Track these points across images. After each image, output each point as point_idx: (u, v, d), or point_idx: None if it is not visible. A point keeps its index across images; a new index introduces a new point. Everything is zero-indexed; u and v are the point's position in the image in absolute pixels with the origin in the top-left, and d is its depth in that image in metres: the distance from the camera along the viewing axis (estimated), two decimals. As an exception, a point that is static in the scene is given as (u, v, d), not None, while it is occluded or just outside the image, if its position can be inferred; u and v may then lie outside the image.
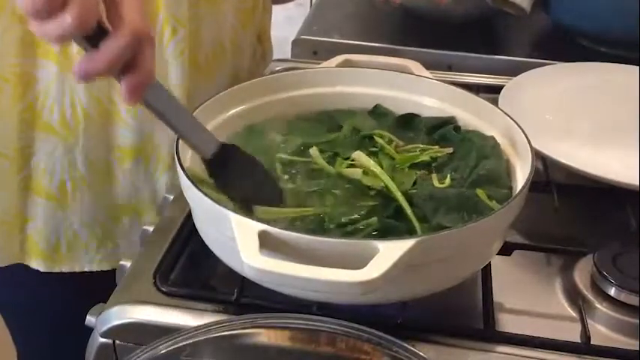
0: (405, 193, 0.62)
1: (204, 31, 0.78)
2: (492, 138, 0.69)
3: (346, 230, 0.59)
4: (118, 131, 0.77)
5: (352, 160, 0.66)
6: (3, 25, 0.69)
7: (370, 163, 0.64)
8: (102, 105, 0.75)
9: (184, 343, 0.49)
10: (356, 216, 0.60)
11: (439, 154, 0.68)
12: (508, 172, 0.66)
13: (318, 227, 0.59)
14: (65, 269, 0.82)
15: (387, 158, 0.67)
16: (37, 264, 0.82)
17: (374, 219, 0.59)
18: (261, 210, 0.60)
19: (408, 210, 0.60)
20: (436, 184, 0.64)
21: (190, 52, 0.77)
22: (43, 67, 0.72)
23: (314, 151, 0.67)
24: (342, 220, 0.59)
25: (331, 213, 0.60)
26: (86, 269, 0.82)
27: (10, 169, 0.76)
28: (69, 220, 0.80)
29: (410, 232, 0.58)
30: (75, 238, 0.81)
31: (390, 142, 0.70)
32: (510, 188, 0.64)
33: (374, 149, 0.69)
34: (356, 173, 0.64)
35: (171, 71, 0.76)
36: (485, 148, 0.67)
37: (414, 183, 0.64)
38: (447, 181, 0.64)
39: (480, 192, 0.62)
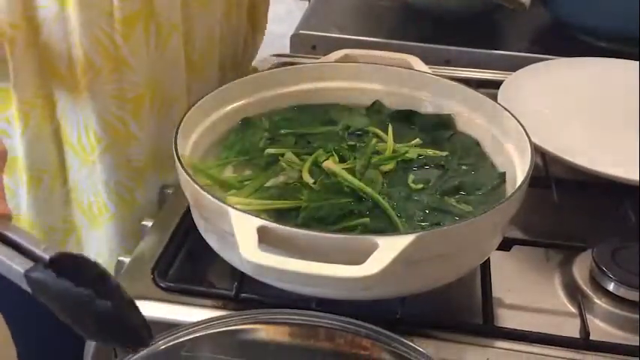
0: (379, 193, 0.62)
1: (196, 30, 0.78)
2: (478, 146, 0.70)
3: (321, 226, 0.59)
4: (134, 152, 0.77)
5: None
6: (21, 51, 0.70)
7: (337, 169, 0.64)
8: (114, 128, 0.74)
9: (184, 339, 0.49)
10: (330, 212, 0.60)
11: (424, 154, 0.69)
12: (494, 180, 0.66)
13: (291, 222, 0.59)
14: None
15: (365, 157, 0.67)
16: None
17: (348, 218, 0.59)
18: (234, 200, 0.60)
19: (390, 210, 0.60)
20: (411, 184, 0.64)
21: (185, 52, 0.77)
22: (59, 90, 0.73)
23: (289, 155, 0.67)
24: (316, 215, 0.60)
25: (307, 207, 0.60)
26: None
27: (53, 183, 0.78)
28: (101, 244, 0.80)
29: (382, 231, 0.58)
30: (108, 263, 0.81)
31: (380, 139, 0.71)
32: (488, 195, 0.64)
33: (362, 144, 0.69)
34: (334, 168, 0.64)
35: (171, 74, 0.76)
36: (468, 157, 0.69)
37: (392, 181, 0.65)
38: (420, 185, 0.64)
39: (449, 200, 0.63)
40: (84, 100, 0.72)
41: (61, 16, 0.67)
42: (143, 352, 0.47)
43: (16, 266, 0.47)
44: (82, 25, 0.68)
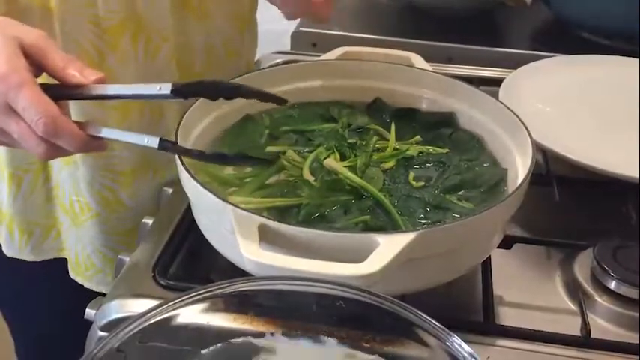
0: (380, 191, 0.62)
1: (194, 42, 0.78)
2: (479, 143, 0.70)
3: (322, 224, 0.59)
4: (116, 155, 0.77)
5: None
6: None
7: (338, 167, 0.64)
8: None
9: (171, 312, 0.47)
10: (331, 210, 0.60)
11: (425, 152, 0.69)
12: (495, 177, 0.66)
13: (292, 220, 0.59)
14: (86, 285, 0.83)
15: (366, 155, 0.67)
16: (69, 267, 0.84)
17: (349, 216, 0.59)
18: (235, 198, 0.60)
19: (391, 207, 0.60)
20: (412, 182, 0.64)
21: (184, 61, 0.77)
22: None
23: (290, 152, 0.67)
24: (317, 213, 0.60)
25: (308, 205, 0.60)
26: (103, 290, 0.82)
27: (35, 181, 0.79)
28: (83, 241, 0.81)
29: (384, 229, 0.58)
30: (90, 260, 0.82)
31: (380, 136, 0.71)
32: (489, 192, 0.64)
33: (362, 142, 0.69)
34: (335, 166, 0.64)
35: (164, 80, 0.76)
36: (470, 154, 0.68)
37: (393, 179, 0.65)
38: (421, 183, 0.64)
39: (450, 197, 0.63)
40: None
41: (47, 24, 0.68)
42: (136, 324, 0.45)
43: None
44: (65, 34, 0.68)
